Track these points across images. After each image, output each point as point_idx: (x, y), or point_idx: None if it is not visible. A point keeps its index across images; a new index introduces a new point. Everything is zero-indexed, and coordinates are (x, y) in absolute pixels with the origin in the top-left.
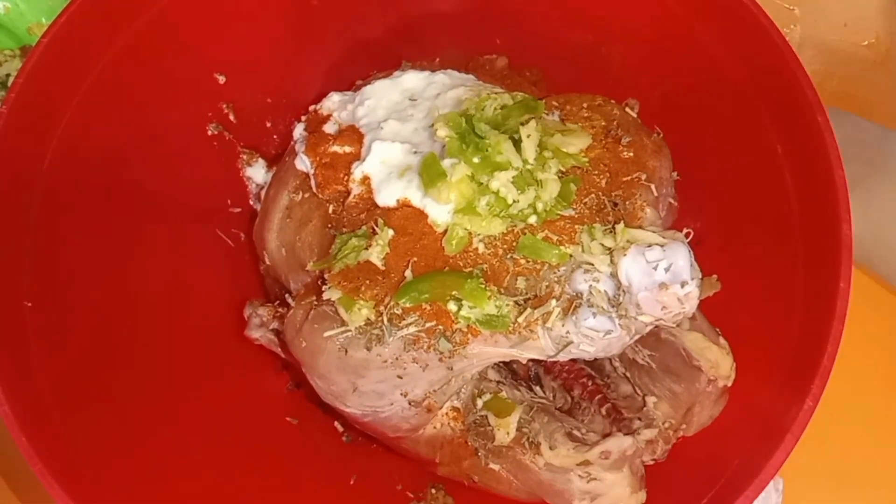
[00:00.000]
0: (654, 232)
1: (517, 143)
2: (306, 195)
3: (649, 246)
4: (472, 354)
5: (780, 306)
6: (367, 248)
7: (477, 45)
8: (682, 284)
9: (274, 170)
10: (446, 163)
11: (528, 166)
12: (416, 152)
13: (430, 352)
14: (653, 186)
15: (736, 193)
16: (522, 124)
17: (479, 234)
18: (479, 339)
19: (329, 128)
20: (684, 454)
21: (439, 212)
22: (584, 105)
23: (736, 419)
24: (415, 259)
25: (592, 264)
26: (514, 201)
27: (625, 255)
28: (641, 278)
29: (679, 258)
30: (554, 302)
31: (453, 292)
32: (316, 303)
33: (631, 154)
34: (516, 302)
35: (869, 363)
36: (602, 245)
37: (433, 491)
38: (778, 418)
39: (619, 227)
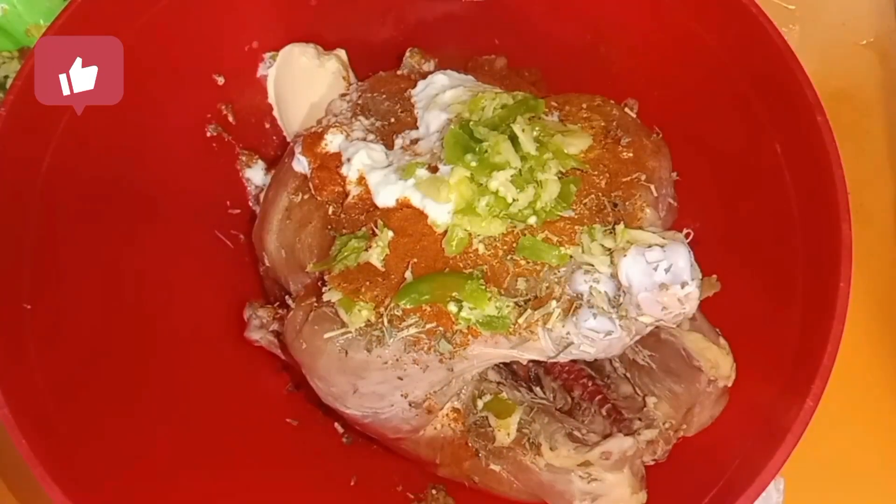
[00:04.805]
0: (653, 232)
1: (516, 143)
2: (305, 196)
3: (649, 247)
4: (473, 355)
5: (780, 307)
6: (366, 250)
7: (476, 45)
8: (683, 285)
9: (273, 171)
10: (446, 168)
11: (530, 163)
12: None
13: (430, 353)
14: (652, 187)
15: (736, 193)
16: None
17: (479, 236)
18: (479, 341)
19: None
20: (685, 454)
21: (439, 212)
22: (584, 105)
23: (736, 419)
24: (415, 260)
25: (592, 265)
26: (513, 200)
27: (625, 255)
28: (642, 279)
29: (679, 259)
30: (554, 303)
31: (453, 293)
32: (316, 304)
33: (630, 154)
34: (517, 303)
35: (869, 363)
36: (602, 246)
37: (434, 492)
38: (778, 418)
39: (619, 227)
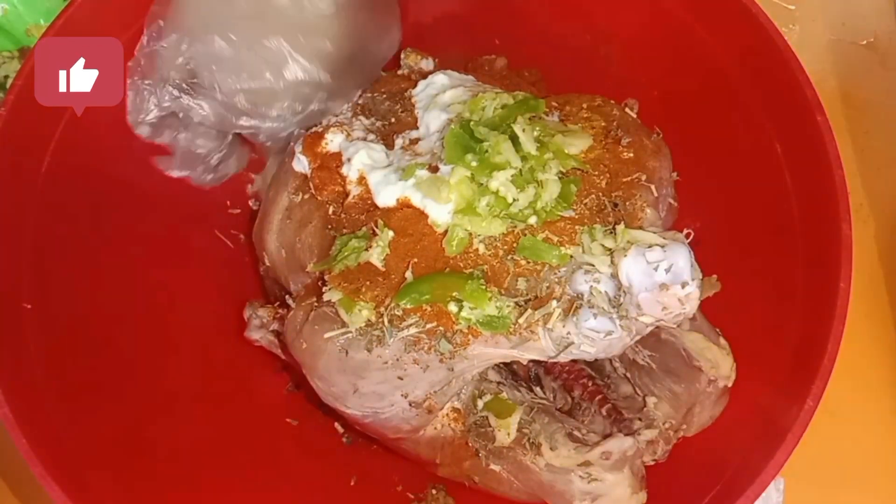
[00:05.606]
0: (654, 232)
1: (517, 143)
2: (306, 196)
3: (650, 247)
4: (473, 355)
5: (780, 306)
6: (367, 250)
7: (476, 45)
8: (683, 285)
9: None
10: (446, 168)
11: (530, 163)
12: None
13: (430, 353)
14: (653, 187)
15: (736, 193)
16: (513, 123)
17: (479, 235)
18: (479, 340)
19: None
20: (685, 455)
21: (439, 212)
22: (584, 105)
23: (736, 419)
24: (415, 260)
25: (593, 265)
26: (514, 200)
27: (625, 255)
28: (642, 279)
29: (679, 259)
30: (555, 303)
31: (454, 293)
32: (316, 304)
33: (631, 154)
34: (517, 303)
35: (869, 363)
36: (602, 246)
37: (434, 492)
38: (778, 418)
39: (620, 227)
